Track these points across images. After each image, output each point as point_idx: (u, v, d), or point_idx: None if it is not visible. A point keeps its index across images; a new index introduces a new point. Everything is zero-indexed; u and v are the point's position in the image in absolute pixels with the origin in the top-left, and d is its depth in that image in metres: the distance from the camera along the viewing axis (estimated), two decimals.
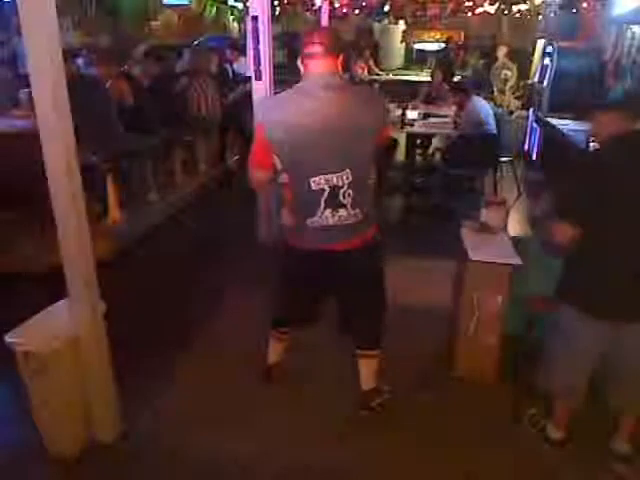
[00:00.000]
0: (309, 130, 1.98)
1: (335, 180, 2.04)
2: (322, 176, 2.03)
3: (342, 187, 2.05)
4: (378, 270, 2.37)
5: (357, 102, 2.05)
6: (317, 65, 2.01)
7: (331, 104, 1.98)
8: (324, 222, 2.11)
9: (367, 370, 2.49)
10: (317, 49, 1.99)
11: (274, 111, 2.06)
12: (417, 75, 10.76)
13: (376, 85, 6.21)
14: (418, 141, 6.17)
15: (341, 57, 2.06)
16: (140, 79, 5.43)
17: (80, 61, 5.52)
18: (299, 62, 2.08)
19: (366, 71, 6.25)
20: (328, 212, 2.09)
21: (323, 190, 2.05)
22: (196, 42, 9.01)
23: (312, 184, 2.04)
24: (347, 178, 2.04)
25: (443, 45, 12.09)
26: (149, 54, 6.41)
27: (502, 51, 8.58)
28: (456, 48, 11.56)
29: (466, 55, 11.09)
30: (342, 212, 2.10)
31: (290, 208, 2.18)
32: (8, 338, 2.07)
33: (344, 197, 2.07)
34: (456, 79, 7.40)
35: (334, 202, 2.07)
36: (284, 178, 2.12)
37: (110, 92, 4.57)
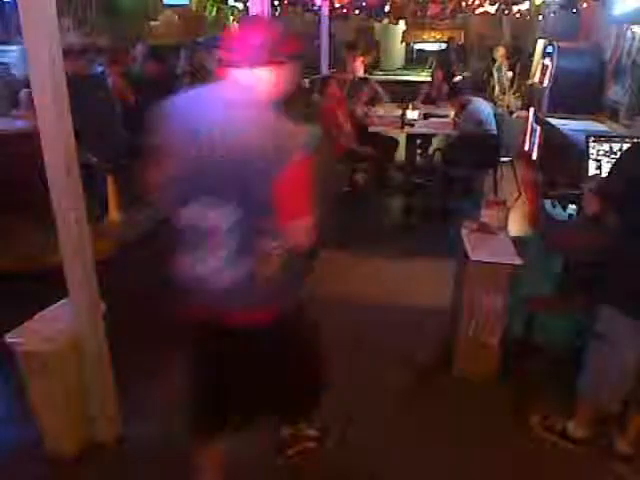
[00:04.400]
0: (199, 141, 1.48)
1: (214, 218, 1.52)
2: (200, 208, 1.53)
3: (220, 230, 1.52)
4: (281, 360, 1.72)
5: (259, 132, 1.46)
6: (229, 75, 1.53)
7: (228, 125, 1.47)
8: (198, 272, 1.60)
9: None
10: (233, 55, 1.51)
11: (176, 109, 1.58)
12: (417, 75, 10.76)
13: (371, 83, 6.20)
14: (418, 141, 6.16)
15: (272, 67, 1.53)
16: (140, 78, 5.43)
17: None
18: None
19: (362, 70, 6.25)
20: (202, 258, 1.58)
21: (197, 227, 1.56)
22: (197, 42, 9.00)
23: (191, 215, 1.56)
24: (228, 220, 1.51)
25: (443, 45, 12.09)
26: (148, 53, 6.40)
27: (500, 52, 8.58)
28: (456, 48, 11.57)
29: (466, 55, 11.09)
30: (217, 265, 1.55)
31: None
32: (8, 338, 2.07)
33: (220, 244, 1.54)
34: (456, 79, 7.40)
35: (208, 247, 1.56)
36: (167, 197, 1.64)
37: (113, 91, 4.58)
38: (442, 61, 9.78)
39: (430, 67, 10.31)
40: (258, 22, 1.52)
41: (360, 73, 6.09)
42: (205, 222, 1.53)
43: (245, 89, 1.53)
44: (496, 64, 8.58)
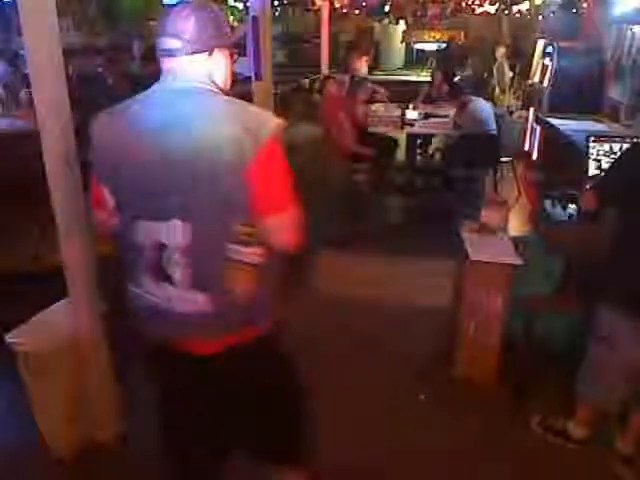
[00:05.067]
0: (140, 152, 1.31)
1: (161, 233, 1.32)
2: (144, 222, 1.34)
3: (170, 247, 1.32)
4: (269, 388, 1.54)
5: (217, 121, 1.30)
6: (171, 66, 1.36)
7: (176, 120, 1.30)
8: (148, 298, 1.40)
9: None
10: (173, 44, 1.33)
11: (105, 128, 1.38)
12: (417, 75, 10.76)
13: (369, 84, 6.20)
14: (418, 141, 6.16)
15: (217, 53, 1.39)
16: (139, 77, 5.44)
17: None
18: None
19: (366, 69, 6.25)
20: (150, 282, 1.38)
21: (142, 246, 1.35)
22: None
23: (135, 233, 1.36)
24: (180, 234, 1.30)
25: (443, 45, 12.09)
26: (145, 52, 6.41)
27: (500, 52, 8.59)
28: (456, 48, 11.57)
29: (466, 55, 11.10)
30: (169, 289, 1.35)
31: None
32: (8, 338, 2.07)
33: (170, 264, 1.33)
34: (456, 79, 7.40)
35: (156, 269, 1.35)
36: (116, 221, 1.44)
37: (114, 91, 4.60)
38: (442, 61, 9.79)
39: (430, 67, 10.31)
40: (188, 6, 1.33)
41: (364, 72, 6.09)
42: (159, 240, 1.32)
43: (191, 79, 1.35)
44: (497, 64, 8.59)
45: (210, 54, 1.37)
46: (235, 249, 1.32)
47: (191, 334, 1.41)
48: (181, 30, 1.32)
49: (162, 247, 1.32)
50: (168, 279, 1.34)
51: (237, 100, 1.38)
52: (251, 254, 1.34)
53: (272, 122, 1.33)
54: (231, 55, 1.46)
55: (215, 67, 1.40)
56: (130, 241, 1.37)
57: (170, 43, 1.33)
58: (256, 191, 1.30)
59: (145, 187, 1.33)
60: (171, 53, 1.34)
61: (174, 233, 1.31)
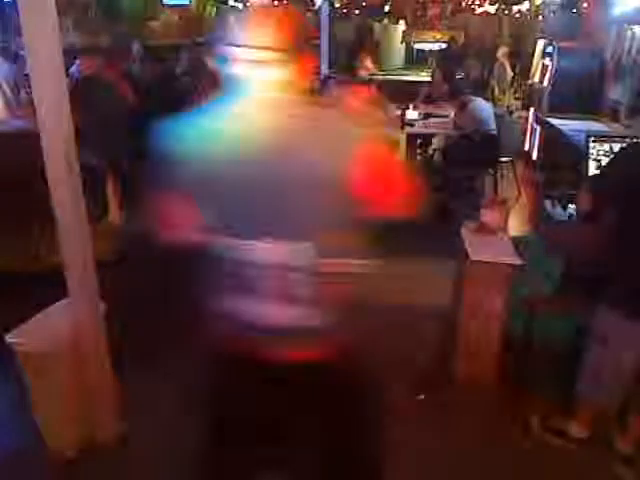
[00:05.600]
0: (241, 173, 1.24)
1: (258, 249, 1.29)
2: (241, 240, 1.30)
3: (281, 264, 1.29)
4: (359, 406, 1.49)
5: (318, 136, 1.24)
6: (262, 77, 1.25)
7: (278, 136, 1.23)
8: (237, 311, 1.38)
9: None
10: (262, 53, 1.22)
11: (197, 144, 1.29)
12: (417, 75, 10.76)
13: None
14: (418, 141, 6.16)
15: (306, 58, 1.29)
16: (139, 79, 5.45)
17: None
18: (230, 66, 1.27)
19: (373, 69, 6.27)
20: (254, 298, 1.35)
21: (238, 262, 1.32)
22: (197, 42, 9.01)
23: (230, 249, 1.32)
24: (277, 251, 1.28)
25: (443, 45, 12.09)
26: (147, 54, 6.42)
27: (502, 51, 8.60)
28: (456, 48, 11.57)
29: (466, 55, 11.11)
30: (262, 302, 1.34)
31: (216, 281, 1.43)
32: (8, 338, 2.07)
33: (266, 279, 1.31)
34: (456, 79, 7.40)
35: (264, 284, 1.33)
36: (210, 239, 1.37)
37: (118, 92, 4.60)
38: (442, 61, 9.78)
39: (430, 67, 10.31)
40: (272, 8, 1.30)
41: (368, 74, 6.09)
42: (256, 256, 1.29)
43: (282, 89, 1.27)
44: (497, 63, 8.59)
45: (299, 59, 1.30)
46: (330, 263, 1.30)
47: (281, 346, 1.36)
48: (271, 37, 1.24)
49: (273, 264, 1.30)
50: (275, 294, 1.32)
51: (334, 110, 1.37)
52: (344, 268, 1.32)
53: (363, 130, 1.29)
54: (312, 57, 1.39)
55: (299, 74, 1.31)
56: (221, 256, 1.32)
57: (260, 52, 1.24)
58: (364, 197, 1.27)
59: (245, 204, 1.27)
60: (255, 61, 1.25)
61: (271, 249, 1.28)
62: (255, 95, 1.26)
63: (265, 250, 1.28)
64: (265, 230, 1.27)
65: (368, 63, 5.69)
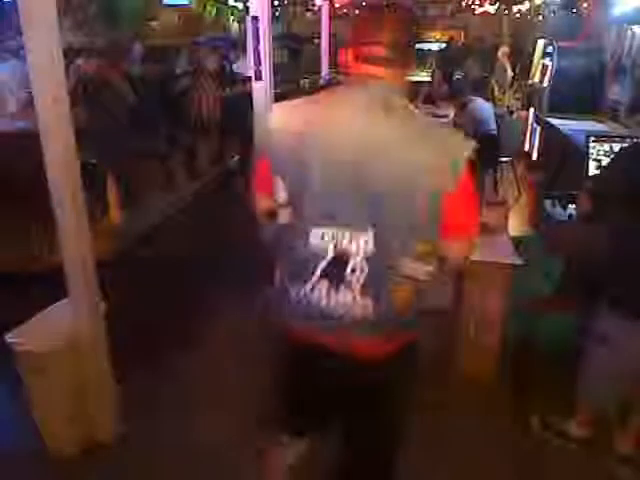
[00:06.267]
0: (330, 153, 1.29)
1: (347, 241, 1.32)
2: (328, 229, 1.32)
3: (354, 255, 1.32)
4: (403, 399, 1.59)
5: (420, 142, 1.28)
6: (373, 74, 1.30)
7: (377, 131, 1.27)
8: (313, 301, 1.38)
9: None
10: (378, 52, 1.28)
11: (290, 116, 1.37)
12: (417, 75, 10.76)
13: None
14: None
15: (409, 58, 1.34)
16: (139, 79, 5.45)
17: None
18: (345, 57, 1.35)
19: None
20: (323, 286, 1.36)
21: (325, 251, 1.34)
22: (197, 42, 9.01)
23: (314, 237, 1.34)
24: (366, 245, 1.31)
25: (443, 45, 12.10)
26: (147, 54, 6.42)
27: (502, 51, 8.60)
28: (456, 48, 11.58)
29: (466, 55, 11.11)
30: (343, 294, 1.35)
31: (279, 265, 1.47)
32: (8, 338, 2.07)
33: (350, 271, 1.33)
34: (456, 79, 7.41)
35: (336, 274, 1.35)
36: (285, 218, 1.42)
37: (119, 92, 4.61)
38: (442, 61, 9.78)
39: (430, 67, 10.31)
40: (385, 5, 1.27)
41: None
42: (344, 247, 1.32)
43: (391, 93, 1.30)
44: (498, 63, 8.59)
45: (406, 63, 1.35)
46: (408, 264, 1.34)
47: (354, 338, 1.39)
48: (387, 37, 1.30)
49: (346, 254, 1.32)
50: (345, 285, 1.34)
51: (435, 122, 1.40)
52: (421, 270, 1.37)
53: (469, 149, 1.28)
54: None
55: (407, 76, 1.38)
56: (304, 244, 1.35)
57: (376, 50, 1.30)
58: (447, 216, 1.30)
59: (337, 194, 1.30)
60: (376, 61, 1.31)
61: (361, 243, 1.31)
62: (364, 87, 1.30)
63: (345, 243, 1.31)
64: (351, 222, 1.30)
65: None
